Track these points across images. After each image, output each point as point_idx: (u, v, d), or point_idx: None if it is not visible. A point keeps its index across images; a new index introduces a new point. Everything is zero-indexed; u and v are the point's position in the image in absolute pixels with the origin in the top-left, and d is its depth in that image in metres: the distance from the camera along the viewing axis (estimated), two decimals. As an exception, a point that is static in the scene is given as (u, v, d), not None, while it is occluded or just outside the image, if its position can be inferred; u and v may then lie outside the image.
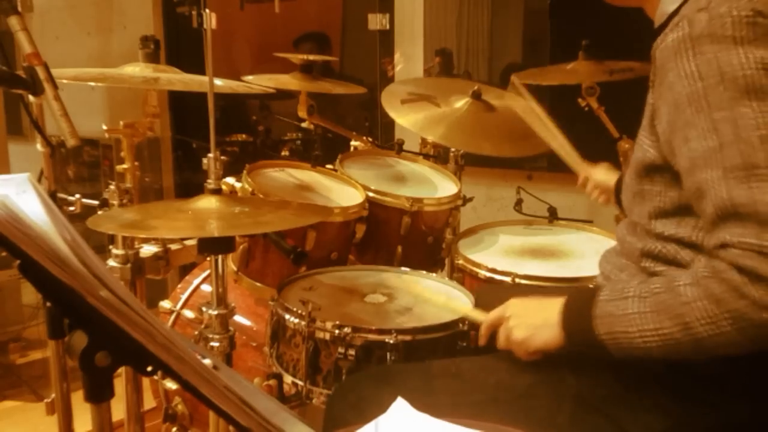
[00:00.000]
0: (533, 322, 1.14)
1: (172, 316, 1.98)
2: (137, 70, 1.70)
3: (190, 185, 3.51)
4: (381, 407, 0.79)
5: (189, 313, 1.94)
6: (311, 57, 2.24)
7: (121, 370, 1.16)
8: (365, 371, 1.33)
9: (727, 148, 0.93)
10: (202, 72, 1.53)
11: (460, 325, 1.41)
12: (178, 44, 3.55)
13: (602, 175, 1.76)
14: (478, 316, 1.32)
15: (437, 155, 2.27)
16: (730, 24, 0.95)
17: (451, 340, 1.39)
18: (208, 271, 1.75)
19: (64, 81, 1.50)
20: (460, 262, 1.82)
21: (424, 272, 1.71)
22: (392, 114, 1.98)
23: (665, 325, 0.96)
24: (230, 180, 1.77)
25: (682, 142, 0.99)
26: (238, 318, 1.85)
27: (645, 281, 1.03)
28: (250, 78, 2.12)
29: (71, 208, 1.69)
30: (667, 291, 0.97)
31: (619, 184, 1.66)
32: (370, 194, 1.87)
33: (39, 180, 1.55)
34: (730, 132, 0.93)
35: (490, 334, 1.24)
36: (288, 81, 2.17)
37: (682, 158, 1.00)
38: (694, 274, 0.96)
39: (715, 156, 0.94)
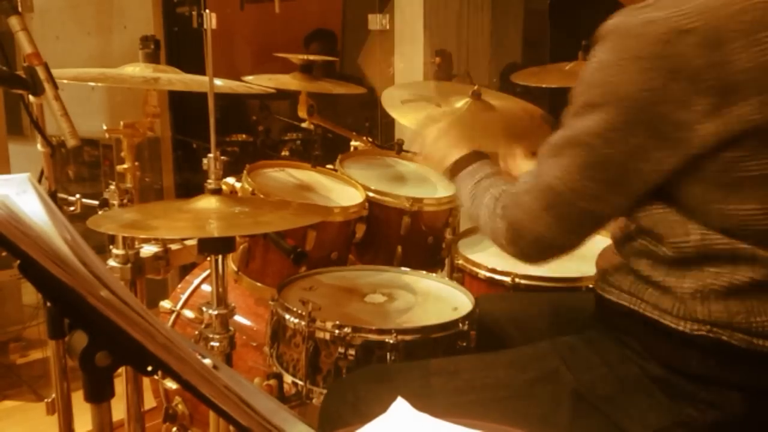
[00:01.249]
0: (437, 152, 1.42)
1: (172, 316, 1.98)
2: (137, 70, 1.70)
3: (190, 185, 3.51)
4: (378, 406, 0.79)
5: (189, 313, 1.94)
6: (311, 57, 2.24)
7: (121, 370, 1.16)
8: (362, 370, 1.33)
9: (565, 131, 1.07)
10: (202, 72, 1.53)
11: (460, 325, 1.41)
12: (178, 44, 3.55)
13: None
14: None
15: (437, 155, 2.26)
16: (653, 35, 0.96)
17: (451, 340, 1.39)
18: (208, 271, 1.75)
19: (65, 81, 1.50)
20: (460, 262, 1.82)
21: (424, 272, 1.71)
22: (393, 114, 1.98)
23: (472, 208, 1.26)
24: (230, 180, 1.77)
25: None
26: (238, 318, 1.85)
27: (494, 176, 1.27)
28: (250, 78, 2.12)
29: (71, 208, 1.69)
30: (484, 194, 1.23)
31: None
32: (370, 194, 1.87)
33: (39, 180, 1.55)
34: (576, 124, 1.05)
35: None
36: (288, 81, 2.17)
37: None
38: (505, 189, 1.20)
39: (561, 130, 1.08)
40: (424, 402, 0.81)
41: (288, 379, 1.46)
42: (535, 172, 1.12)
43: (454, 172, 1.36)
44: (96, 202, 1.66)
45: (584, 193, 1.06)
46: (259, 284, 1.78)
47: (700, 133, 0.97)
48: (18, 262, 0.63)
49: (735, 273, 1.02)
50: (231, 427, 0.75)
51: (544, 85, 2.08)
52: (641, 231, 1.10)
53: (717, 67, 0.95)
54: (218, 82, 1.65)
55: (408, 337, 1.36)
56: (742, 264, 1.02)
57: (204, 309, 1.42)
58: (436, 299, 1.58)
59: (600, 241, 1.96)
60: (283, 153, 3.15)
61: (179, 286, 2.07)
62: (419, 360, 1.31)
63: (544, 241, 1.12)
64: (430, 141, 1.45)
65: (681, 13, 0.96)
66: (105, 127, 1.69)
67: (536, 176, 1.12)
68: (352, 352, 1.36)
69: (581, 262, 1.81)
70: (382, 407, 0.81)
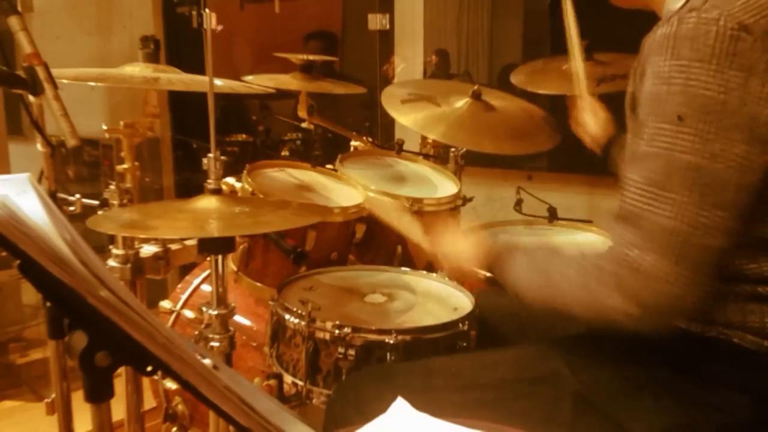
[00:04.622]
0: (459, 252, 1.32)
1: (172, 316, 1.98)
2: (137, 70, 1.70)
3: (190, 185, 3.51)
4: (381, 406, 0.79)
5: (189, 313, 1.94)
6: (311, 57, 2.24)
7: (121, 370, 1.16)
8: (366, 370, 1.33)
9: (654, 161, 0.97)
10: (202, 72, 1.53)
11: (460, 325, 1.41)
12: (178, 44, 3.55)
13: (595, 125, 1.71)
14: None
15: (437, 155, 2.26)
16: (713, 34, 0.93)
17: (451, 340, 1.39)
18: (208, 271, 1.75)
19: (65, 81, 1.50)
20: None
21: (424, 272, 1.71)
22: (393, 113, 1.98)
23: (546, 291, 1.10)
24: (230, 180, 1.77)
25: (636, 136, 1.02)
26: (238, 318, 1.85)
27: (555, 250, 1.15)
28: (250, 78, 2.12)
29: (71, 208, 1.69)
30: (564, 267, 1.08)
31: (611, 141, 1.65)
32: (370, 194, 1.87)
33: (39, 180, 1.55)
34: (665, 146, 0.96)
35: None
36: (288, 81, 2.17)
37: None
38: (585, 259, 1.05)
39: (644, 163, 0.98)
40: (426, 401, 0.81)
41: (288, 379, 1.46)
42: (637, 224, 0.97)
43: (491, 257, 1.25)
44: (96, 202, 1.66)
45: (714, 225, 0.94)
46: (259, 284, 1.78)
47: None
48: (18, 262, 0.63)
49: (757, 287, 1.01)
50: (231, 427, 0.75)
51: (541, 92, 2.08)
52: None
53: None
54: (218, 82, 1.65)
55: (408, 338, 1.36)
56: (766, 282, 1.01)
57: (204, 309, 1.42)
58: (436, 299, 1.58)
59: (601, 242, 1.96)
60: (283, 153, 3.14)
61: (179, 286, 2.07)
62: (421, 359, 1.31)
63: (685, 300, 0.96)
64: (449, 248, 1.35)
65: (736, 10, 0.94)
66: (105, 127, 1.69)
67: (643, 228, 0.96)
68: (352, 352, 1.36)
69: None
70: (386, 407, 0.81)
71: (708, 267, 0.95)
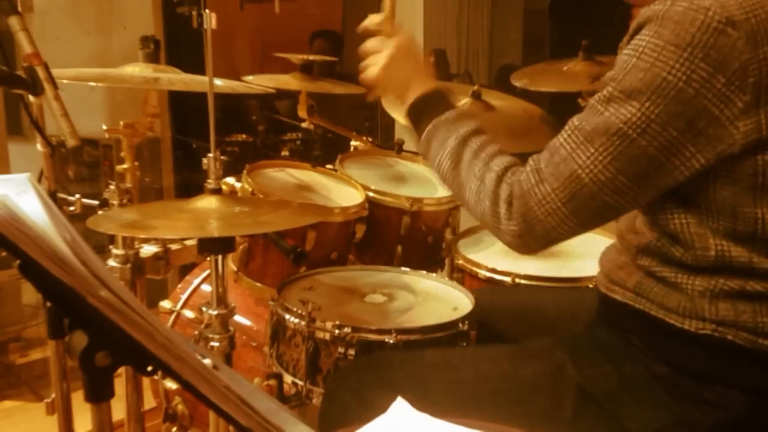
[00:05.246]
0: (397, 74, 1.27)
1: (172, 316, 1.98)
2: (137, 70, 1.70)
3: (190, 185, 3.51)
4: (379, 392, 0.79)
5: (189, 313, 1.94)
6: (311, 57, 2.24)
7: (121, 370, 1.16)
8: (363, 359, 1.33)
9: (595, 117, 1.01)
10: (202, 72, 1.53)
11: (460, 325, 1.41)
12: (178, 44, 3.55)
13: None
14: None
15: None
16: (699, 23, 0.93)
17: (451, 340, 1.39)
18: (208, 271, 1.75)
19: (65, 81, 1.50)
20: (460, 262, 1.82)
21: (424, 272, 1.71)
22: (393, 114, 1.98)
23: (453, 173, 1.16)
24: (230, 180, 1.77)
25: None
26: (238, 318, 1.85)
27: (479, 134, 1.18)
28: (250, 78, 2.11)
29: (71, 208, 1.69)
30: (476, 161, 1.14)
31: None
32: (370, 194, 1.87)
33: (39, 180, 1.55)
34: (609, 111, 1.00)
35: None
36: (288, 81, 2.16)
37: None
38: (499, 164, 1.12)
39: (587, 114, 1.03)
40: (425, 393, 0.81)
41: (288, 379, 1.46)
42: (555, 155, 1.04)
43: (418, 111, 1.23)
44: (96, 202, 1.66)
45: (611, 187, 1.00)
46: (258, 284, 1.78)
47: (735, 132, 0.95)
48: (18, 262, 0.63)
49: (748, 282, 1.01)
50: (231, 427, 0.75)
51: (542, 89, 2.08)
52: (661, 236, 1.08)
53: (762, 64, 0.93)
54: (218, 82, 1.65)
55: (408, 337, 1.36)
56: (756, 277, 1.01)
57: (204, 309, 1.42)
58: (436, 299, 1.58)
59: (602, 241, 1.96)
60: (283, 153, 3.15)
61: (179, 286, 2.07)
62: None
63: (553, 234, 1.06)
64: (385, 58, 1.27)
65: (730, 4, 0.93)
66: (105, 127, 1.69)
67: (556, 162, 1.04)
68: (351, 352, 1.36)
69: (582, 261, 1.82)
70: (382, 406, 0.81)
71: (587, 218, 1.04)
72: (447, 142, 1.17)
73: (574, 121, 1.04)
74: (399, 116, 1.23)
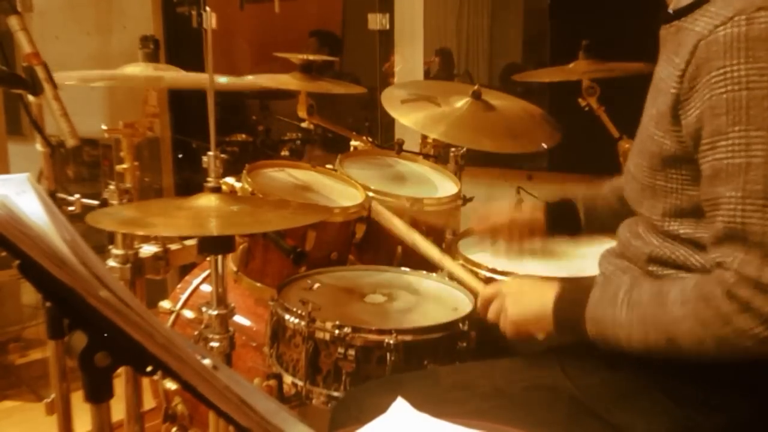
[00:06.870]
0: (528, 305, 1.18)
1: (172, 316, 1.98)
2: (138, 70, 1.70)
3: (190, 185, 3.51)
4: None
5: (189, 313, 1.94)
6: (311, 57, 2.24)
7: (121, 370, 1.16)
8: (367, 384, 1.32)
9: (754, 171, 0.92)
10: (202, 72, 1.53)
11: (460, 325, 1.40)
12: (178, 44, 3.55)
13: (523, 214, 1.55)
14: (475, 284, 1.36)
15: (437, 155, 2.26)
16: None
17: (451, 341, 1.39)
18: (208, 271, 1.75)
19: (71, 83, 1.50)
20: (460, 262, 1.82)
21: (424, 272, 1.71)
22: (393, 113, 1.98)
23: (651, 337, 1.00)
24: (230, 180, 1.77)
25: (709, 147, 0.97)
26: (238, 318, 1.85)
27: (636, 285, 1.04)
28: (250, 78, 2.12)
29: (71, 208, 1.68)
30: (657, 305, 1.00)
31: (549, 208, 1.51)
32: (370, 194, 1.87)
33: (39, 180, 1.55)
34: (762, 154, 0.92)
35: (485, 308, 1.26)
36: (288, 81, 2.17)
37: (704, 163, 0.98)
38: (684, 291, 0.97)
39: (740, 175, 0.93)
40: (422, 411, 0.81)
41: (288, 379, 1.46)
42: (748, 237, 0.93)
43: (565, 315, 1.12)
44: (96, 202, 1.66)
45: None
46: (258, 284, 1.78)
47: None
48: (18, 262, 0.63)
49: None
50: (231, 428, 0.75)
51: (546, 80, 2.08)
52: (665, 240, 1.07)
53: None
54: (222, 79, 1.65)
55: (408, 337, 1.36)
56: None
57: (204, 309, 1.42)
58: (436, 299, 1.58)
59: (601, 242, 1.96)
60: (283, 153, 3.14)
61: (179, 286, 2.07)
62: (421, 362, 1.31)
63: None
64: (512, 314, 1.20)
65: None
66: (104, 127, 1.69)
67: (757, 242, 0.92)
68: (351, 352, 1.36)
69: (582, 261, 1.82)
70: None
71: None
72: (617, 320, 1.04)
73: (729, 193, 0.95)
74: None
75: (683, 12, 1.05)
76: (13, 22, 1.39)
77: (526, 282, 1.25)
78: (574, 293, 1.12)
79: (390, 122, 2.97)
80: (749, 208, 0.92)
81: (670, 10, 1.10)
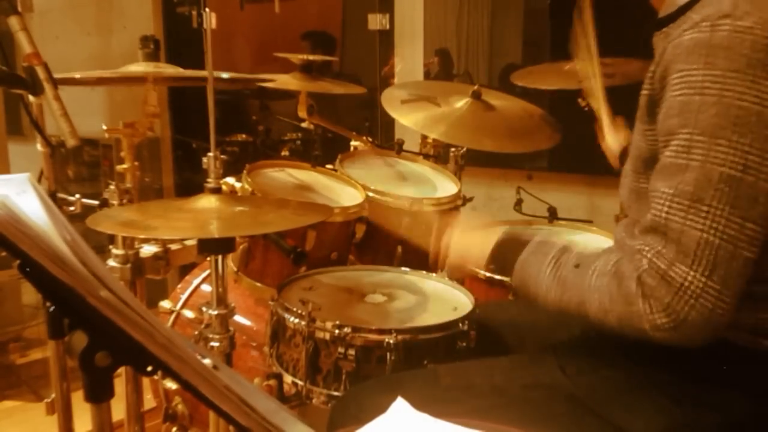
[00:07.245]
0: (473, 236, 1.30)
1: (172, 316, 1.98)
2: (139, 69, 1.70)
3: (190, 185, 3.51)
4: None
5: (189, 313, 1.94)
6: (311, 57, 2.24)
7: (121, 370, 1.16)
8: (366, 382, 1.32)
9: (689, 173, 0.95)
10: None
11: (460, 325, 1.40)
12: (178, 44, 3.55)
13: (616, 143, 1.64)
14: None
15: (437, 155, 2.26)
16: (749, 43, 0.92)
17: (451, 340, 1.39)
18: (208, 271, 1.75)
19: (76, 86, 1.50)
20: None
21: (425, 272, 1.71)
22: (393, 113, 1.98)
23: (565, 297, 1.07)
24: (230, 180, 1.77)
25: (663, 145, 1.01)
26: (238, 318, 1.85)
27: (567, 250, 1.12)
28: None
29: (71, 208, 1.69)
30: (579, 270, 1.07)
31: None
32: (370, 194, 1.87)
33: (39, 180, 1.55)
34: (700, 159, 0.95)
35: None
36: (288, 81, 2.17)
37: (660, 158, 1.02)
38: (605, 265, 1.04)
39: (677, 175, 0.96)
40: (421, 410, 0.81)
41: (288, 379, 1.46)
42: (668, 233, 0.96)
43: (501, 254, 1.22)
44: (96, 202, 1.66)
45: (745, 238, 0.93)
46: (258, 284, 1.78)
47: None
48: (18, 262, 0.63)
49: (751, 286, 0.99)
50: (231, 427, 0.75)
51: (543, 87, 2.08)
52: None
53: None
54: (224, 75, 1.65)
55: (408, 337, 1.36)
56: (761, 280, 1.00)
57: (204, 309, 1.42)
58: (436, 299, 1.58)
59: (601, 242, 1.96)
60: (283, 153, 3.14)
61: (179, 286, 2.07)
62: (421, 362, 1.31)
63: (714, 317, 0.93)
64: (456, 242, 1.32)
65: (765, 19, 0.93)
66: (105, 127, 1.69)
67: (674, 238, 0.95)
68: (352, 352, 1.36)
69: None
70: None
71: (736, 279, 0.94)
72: (541, 274, 1.11)
73: (663, 189, 0.98)
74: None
75: (670, 19, 1.06)
76: (13, 22, 1.39)
77: (479, 223, 1.36)
78: (515, 240, 1.21)
79: (390, 122, 2.97)
80: (675, 206, 0.96)
81: (661, 17, 1.11)
